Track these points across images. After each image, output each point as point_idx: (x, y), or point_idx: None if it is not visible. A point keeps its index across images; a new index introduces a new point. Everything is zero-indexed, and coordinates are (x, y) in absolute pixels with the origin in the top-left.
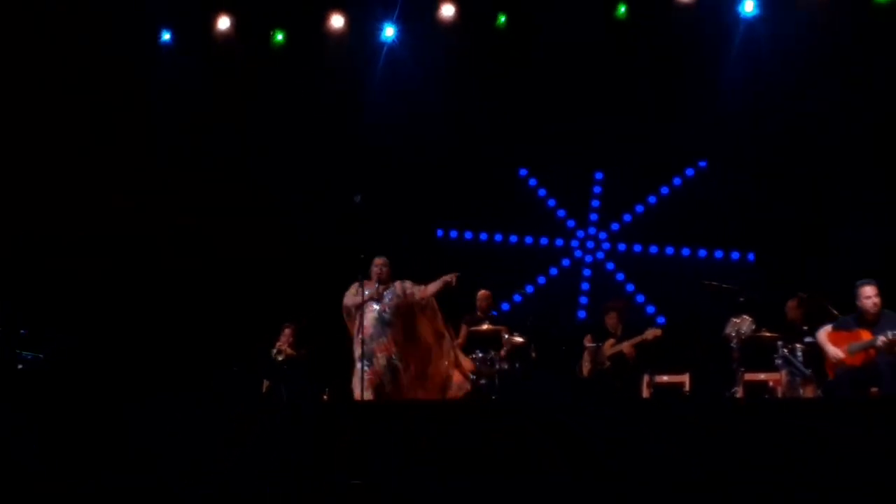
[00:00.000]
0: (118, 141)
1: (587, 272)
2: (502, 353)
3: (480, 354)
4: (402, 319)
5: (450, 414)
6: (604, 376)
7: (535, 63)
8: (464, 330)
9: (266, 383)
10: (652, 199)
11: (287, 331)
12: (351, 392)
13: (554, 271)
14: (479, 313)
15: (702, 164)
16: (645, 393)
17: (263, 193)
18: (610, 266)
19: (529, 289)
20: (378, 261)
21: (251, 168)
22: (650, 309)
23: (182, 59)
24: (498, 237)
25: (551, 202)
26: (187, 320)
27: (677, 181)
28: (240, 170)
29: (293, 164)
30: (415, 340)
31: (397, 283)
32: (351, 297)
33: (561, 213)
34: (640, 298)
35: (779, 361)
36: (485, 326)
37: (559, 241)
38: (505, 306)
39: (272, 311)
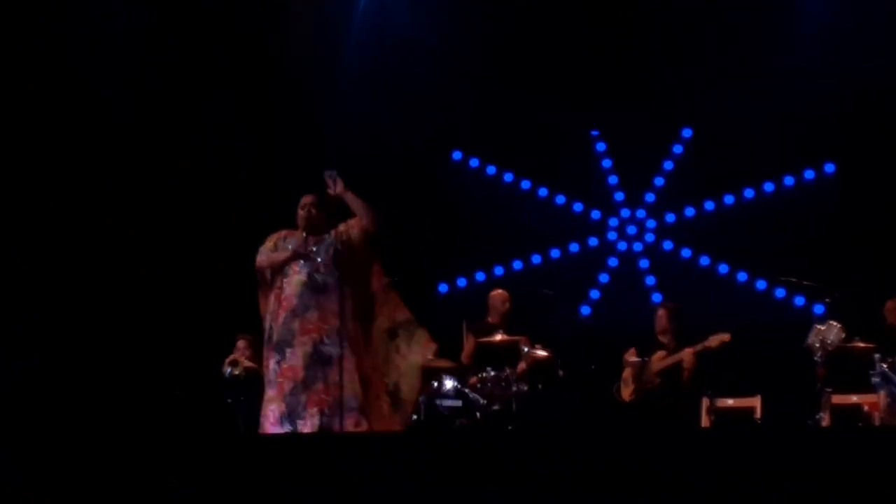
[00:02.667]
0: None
1: (613, 262)
2: (520, 369)
3: (492, 372)
4: (343, 282)
5: (451, 445)
6: (651, 400)
7: None
8: (470, 341)
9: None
10: (729, 200)
11: (241, 343)
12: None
13: (574, 247)
14: (490, 319)
15: (829, 168)
16: (704, 421)
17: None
18: (643, 263)
19: (536, 258)
20: (305, 199)
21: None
22: None
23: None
24: (525, 184)
25: (607, 162)
26: (117, 342)
27: (769, 187)
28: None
29: (248, 141)
30: (367, 320)
31: (333, 231)
32: (267, 254)
33: (612, 179)
34: None
35: (876, 380)
36: (498, 337)
37: (595, 214)
38: (499, 270)
39: (220, 323)
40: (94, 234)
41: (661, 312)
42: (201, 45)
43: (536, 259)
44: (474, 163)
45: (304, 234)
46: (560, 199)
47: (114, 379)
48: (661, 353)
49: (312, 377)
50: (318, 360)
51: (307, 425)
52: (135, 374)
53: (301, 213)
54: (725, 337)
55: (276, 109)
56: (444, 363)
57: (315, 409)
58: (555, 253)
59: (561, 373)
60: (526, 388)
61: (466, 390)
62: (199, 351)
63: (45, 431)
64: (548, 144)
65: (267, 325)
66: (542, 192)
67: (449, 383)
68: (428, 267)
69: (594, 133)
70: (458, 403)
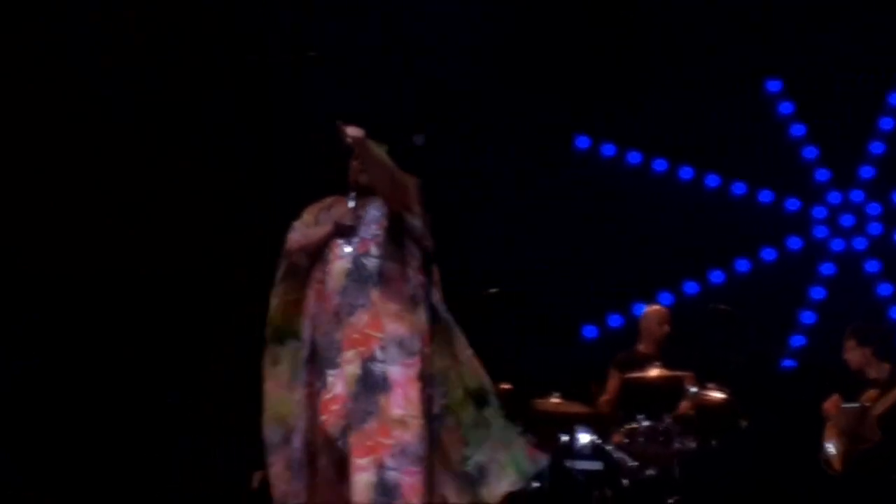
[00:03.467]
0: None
1: (827, 269)
2: (684, 416)
3: (646, 423)
4: (407, 268)
5: None
6: (873, 464)
7: None
8: (614, 379)
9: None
10: None
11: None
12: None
13: (768, 254)
14: (642, 347)
15: None
16: None
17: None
18: (871, 266)
19: (717, 276)
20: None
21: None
22: None
23: None
24: (687, 172)
25: (798, 129)
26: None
27: None
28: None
29: (248, 141)
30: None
31: None
32: (303, 230)
33: (810, 151)
34: None
35: None
36: (654, 372)
37: (792, 203)
38: (665, 298)
39: (220, 324)
40: (94, 234)
41: (849, 343)
42: (201, 45)
43: (717, 277)
44: (609, 150)
45: (354, 198)
46: (739, 189)
47: (113, 379)
48: (871, 393)
49: (361, 411)
50: (366, 387)
51: (359, 484)
52: (134, 375)
53: (356, 164)
54: None
55: (276, 109)
56: (577, 408)
57: (368, 460)
58: (742, 265)
59: (744, 423)
60: (693, 444)
61: (609, 447)
62: (198, 352)
63: (45, 432)
64: (708, 110)
65: (306, 335)
66: (712, 180)
67: (585, 438)
68: (563, 302)
69: (774, 86)
70: (598, 466)
